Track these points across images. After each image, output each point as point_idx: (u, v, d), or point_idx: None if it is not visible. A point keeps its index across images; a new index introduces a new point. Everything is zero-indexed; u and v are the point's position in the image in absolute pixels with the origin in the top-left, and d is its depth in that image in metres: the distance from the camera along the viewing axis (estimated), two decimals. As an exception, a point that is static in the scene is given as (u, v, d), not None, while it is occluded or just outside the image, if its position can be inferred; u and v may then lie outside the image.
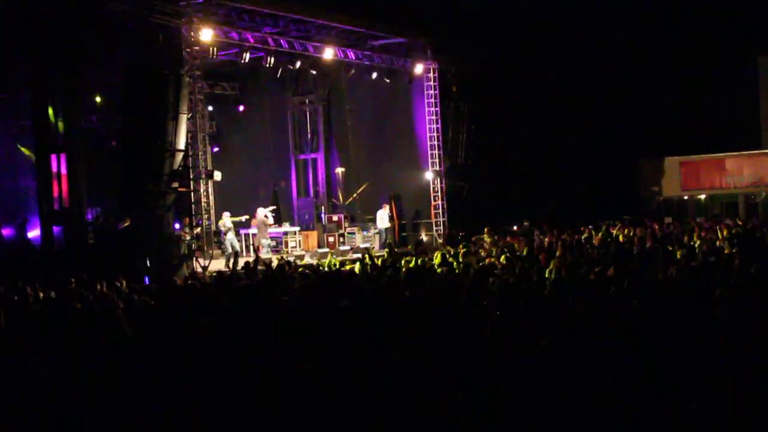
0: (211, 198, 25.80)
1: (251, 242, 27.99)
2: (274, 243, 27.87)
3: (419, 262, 18.48)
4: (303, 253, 27.48)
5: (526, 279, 13.59)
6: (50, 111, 22.38)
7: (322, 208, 32.82)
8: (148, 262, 20.21)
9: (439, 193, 32.62)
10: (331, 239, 29.70)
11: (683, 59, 34.06)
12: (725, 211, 34.73)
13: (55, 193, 22.64)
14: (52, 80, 22.45)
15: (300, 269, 17.99)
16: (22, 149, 28.70)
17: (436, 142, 32.41)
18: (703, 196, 37.58)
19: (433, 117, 32.37)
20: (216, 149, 33.23)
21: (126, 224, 22.01)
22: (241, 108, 35.00)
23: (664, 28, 34.32)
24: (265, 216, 26.93)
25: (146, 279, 17.15)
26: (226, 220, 25.42)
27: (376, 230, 30.44)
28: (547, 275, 14.38)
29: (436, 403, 6.58)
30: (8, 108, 28.30)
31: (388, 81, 31.07)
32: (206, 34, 24.09)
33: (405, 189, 32.67)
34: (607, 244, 21.29)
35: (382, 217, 30.01)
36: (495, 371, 7.48)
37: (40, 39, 22.11)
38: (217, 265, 24.30)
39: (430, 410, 6.46)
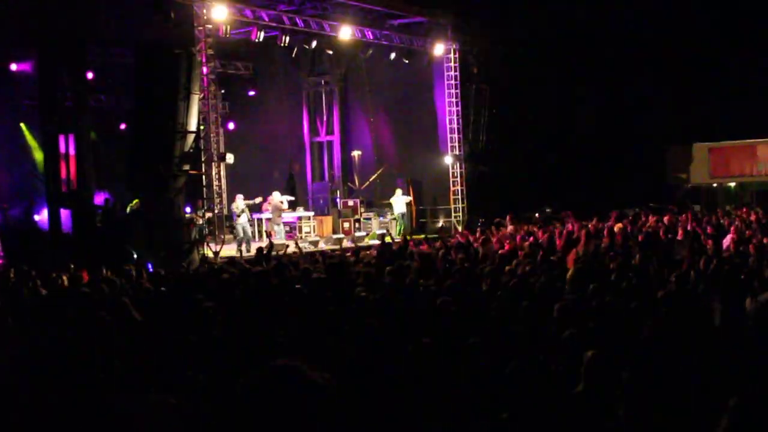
0: (223, 181, 25.75)
1: (264, 227, 27.96)
2: (288, 228, 27.83)
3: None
4: (317, 239, 27.41)
5: (546, 269, 13.49)
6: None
7: (338, 192, 32.72)
8: (133, 251, 20.16)
9: (459, 179, 32.47)
10: (346, 225, 29.61)
11: (714, 41, 33.73)
12: (756, 200, 34.41)
13: (63, 175, 22.67)
14: (61, 57, 22.44)
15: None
16: (24, 131, 28.76)
17: (456, 125, 32.25)
18: (732, 184, 37.28)
19: (453, 99, 32.22)
20: (230, 129, 33.21)
21: (135, 207, 22.03)
22: (252, 93, 35.02)
23: (694, 9, 33.97)
24: (281, 201, 26.88)
25: (149, 265, 17.12)
26: (240, 202, 25.35)
27: (393, 216, 30.30)
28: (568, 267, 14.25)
29: (452, 397, 6.53)
30: (16, 85, 28.32)
31: (406, 62, 30.87)
32: (219, 12, 23.98)
33: (423, 173, 32.55)
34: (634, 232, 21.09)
35: (397, 202, 29.83)
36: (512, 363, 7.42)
37: (49, 15, 22.09)
38: (229, 250, 24.28)
39: (447, 404, 6.40)
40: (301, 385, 2.49)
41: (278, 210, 26.83)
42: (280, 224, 26.90)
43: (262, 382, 2.52)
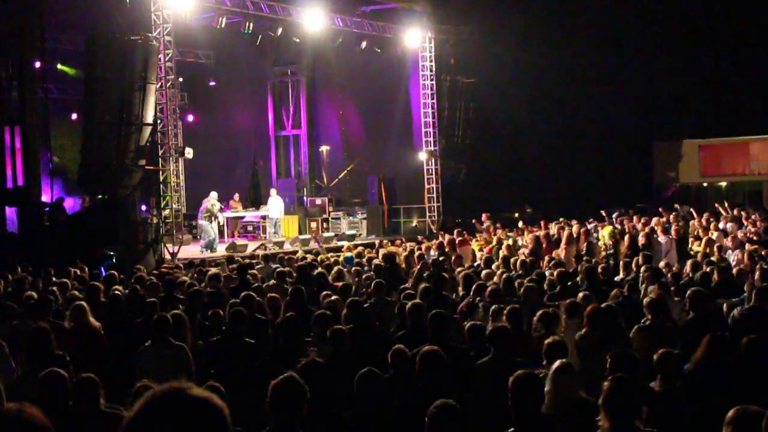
0: (182, 177, 25.76)
1: (228, 227, 27.99)
2: (251, 228, 27.88)
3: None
4: (282, 239, 27.42)
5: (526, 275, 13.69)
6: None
7: (305, 190, 32.73)
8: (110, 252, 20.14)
9: (434, 176, 32.54)
10: (313, 225, 29.61)
11: (704, 33, 34.04)
12: (748, 200, 34.71)
13: (8, 170, 22.55)
14: (6, 45, 22.33)
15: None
16: None
17: (431, 120, 32.34)
18: (724, 184, 37.59)
19: (429, 91, 32.29)
20: (189, 122, 33.16)
21: (85, 205, 21.98)
22: (213, 83, 34.99)
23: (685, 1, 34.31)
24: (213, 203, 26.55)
25: (102, 269, 17.07)
26: (215, 203, 25.29)
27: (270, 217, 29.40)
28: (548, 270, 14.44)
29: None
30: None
31: (379, 51, 30.95)
32: (178, -4, 23.94)
33: (396, 170, 32.61)
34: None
35: (273, 204, 28.73)
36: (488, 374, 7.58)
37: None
38: (188, 251, 24.27)
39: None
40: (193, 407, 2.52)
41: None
42: (212, 223, 26.69)
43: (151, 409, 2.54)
